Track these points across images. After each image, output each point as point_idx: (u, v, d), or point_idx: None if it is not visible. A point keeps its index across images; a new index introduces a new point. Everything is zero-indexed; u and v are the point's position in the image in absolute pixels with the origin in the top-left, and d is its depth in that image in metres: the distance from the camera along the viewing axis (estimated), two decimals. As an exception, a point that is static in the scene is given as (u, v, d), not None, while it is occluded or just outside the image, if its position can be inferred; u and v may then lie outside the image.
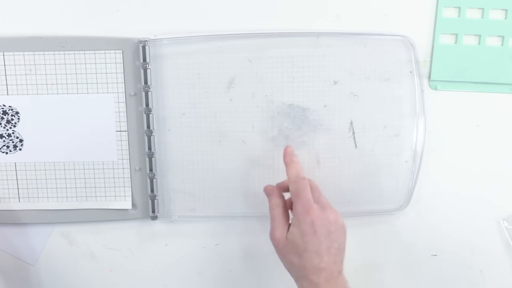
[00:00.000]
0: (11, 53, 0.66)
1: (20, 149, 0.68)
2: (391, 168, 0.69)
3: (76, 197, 0.70)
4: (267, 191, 0.64)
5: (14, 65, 0.66)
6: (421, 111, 0.67)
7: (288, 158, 0.62)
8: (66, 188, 0.69)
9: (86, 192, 0.70)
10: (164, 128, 0.68)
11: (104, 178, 0.69)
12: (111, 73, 0.67)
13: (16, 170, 0.69)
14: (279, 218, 0.60)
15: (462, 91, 0.68)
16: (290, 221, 0.60)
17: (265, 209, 0.69)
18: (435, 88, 0.68)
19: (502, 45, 0.66)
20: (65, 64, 0.66)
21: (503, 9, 0.66)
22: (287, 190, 0.62)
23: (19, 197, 0.70)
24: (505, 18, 0.66)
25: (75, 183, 0.69)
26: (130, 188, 0.69)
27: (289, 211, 0.62)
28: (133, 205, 0.70)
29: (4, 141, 0.68)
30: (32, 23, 0.66)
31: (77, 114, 0.67)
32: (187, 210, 0.70)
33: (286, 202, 0.62)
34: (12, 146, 0.68)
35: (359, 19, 0.66)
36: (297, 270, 0.58)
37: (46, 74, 0.67)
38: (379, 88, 0.67)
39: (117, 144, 0.68)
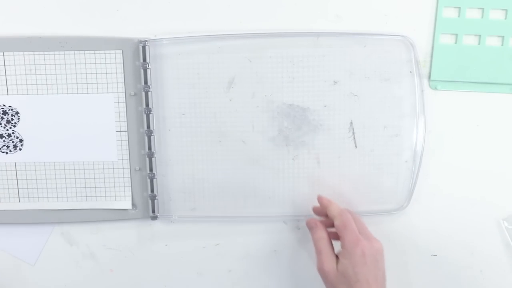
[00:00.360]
0: (11, 53, 0.66)
1: (20, 149, 0.68)
2: (391, 168, 0.69)
3: (76, 197, 0.70)
4: (310, 224, 0.65)
5: (14, 65, 0.66)
6: (421, 111, 0.67)
7: (325, 200, 0.66)
8: (66, 188, 0.69)
9: (86, 192, 0.70)
10: (164, 128, 0.68)
11: (104, 178, 0.69)
12: (111, 73, 0.67)
13: (16, 170, 0.69)
14: (326, 250, 0.62)
15: (462, 91, 0.68)
16: (335, 253, 0.62)
17: (265, 210, 0.69)
18: (435, 88, 0.68)
19: (502, 45, 0.66)
20: (65, 64, 0.66)
21: (503, 9, 0.66)
22: (322, 215, 0.66)
23: (19, 197, 0.70)
24: (505, 18, 0.66)
25: (75, 183, 0.69)
26: (130, 188, 0.69)
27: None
28: (133, 205, 0.70)
29: (4, 141, 0.68)
30: (32, 23, 0.66)
31: (77, 114, 0.67)
32: (187, 210, 0.70)
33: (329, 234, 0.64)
34: (12, 146, 0.68)
35: (359, 19, 0.66)
36: None
37: (46, 74, 0.67)
38: (379, 88, 0.67)
39: (117, 144, 0.68)
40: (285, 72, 0.67)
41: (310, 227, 0.65)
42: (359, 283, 0.58)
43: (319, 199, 0.66)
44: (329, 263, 0.60)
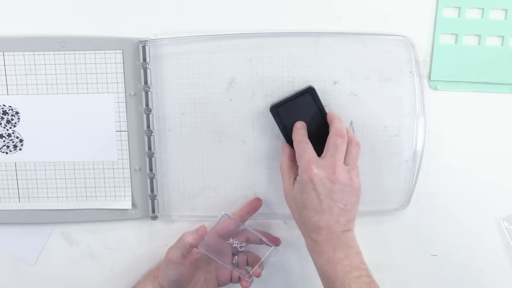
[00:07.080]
0: (11, 53, 0.66)
1: (20, 149, 0.68)
2: (391, 168, 0.69)
3: (76, 197, 0.70)
4: (282, 147, 0.66)
5: (14, 65, 0.66)
6: (421, 111, 0.67)
7: (294, 130, 0.64)
8: (66, 188, 0.69)
9: (86, 192, 0.70)
10: (164, 128, 0.68)
11: (104, 178, 0.69)
12: (111, 73, 0.67)
13: (16, 170, 0.69)
14: (284, 172, 0.63)
15: (462, 91, 0.68)
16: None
17: (264, 209, 0.69)
18: (435, 88, 0.68)
19: (502, 45, 0.66)
20: (65, 64, 0.66)
21: (503, 9, 0.66)
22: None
23: (19, 197, 0.70)
24: (505, 18, 0.66)
25: (75, 183, 0.69)
26: (130, 188, 0.69)
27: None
28: (133, 205, 0.70)
29: (4, 141, 0.68)
30: (32, 23, 0.66)
31: (77, 114, 0.67)
32: (187, 210, 0.70)
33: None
34: (12, 146, 0.68)
35: (359, 19, 0.66)
36: (299, 226, 0.61)
37: (46, 74, 0.67)
38: (379, 88, 0.67)
39: (117, 144, 0.68)
40: (285, 72, 0.67)
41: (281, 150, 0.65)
42: (306, 210, 0.59)
43: (329, 114, 0.65)
44: (287, 185, 0.62)
